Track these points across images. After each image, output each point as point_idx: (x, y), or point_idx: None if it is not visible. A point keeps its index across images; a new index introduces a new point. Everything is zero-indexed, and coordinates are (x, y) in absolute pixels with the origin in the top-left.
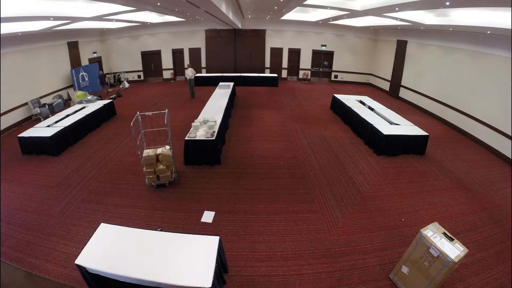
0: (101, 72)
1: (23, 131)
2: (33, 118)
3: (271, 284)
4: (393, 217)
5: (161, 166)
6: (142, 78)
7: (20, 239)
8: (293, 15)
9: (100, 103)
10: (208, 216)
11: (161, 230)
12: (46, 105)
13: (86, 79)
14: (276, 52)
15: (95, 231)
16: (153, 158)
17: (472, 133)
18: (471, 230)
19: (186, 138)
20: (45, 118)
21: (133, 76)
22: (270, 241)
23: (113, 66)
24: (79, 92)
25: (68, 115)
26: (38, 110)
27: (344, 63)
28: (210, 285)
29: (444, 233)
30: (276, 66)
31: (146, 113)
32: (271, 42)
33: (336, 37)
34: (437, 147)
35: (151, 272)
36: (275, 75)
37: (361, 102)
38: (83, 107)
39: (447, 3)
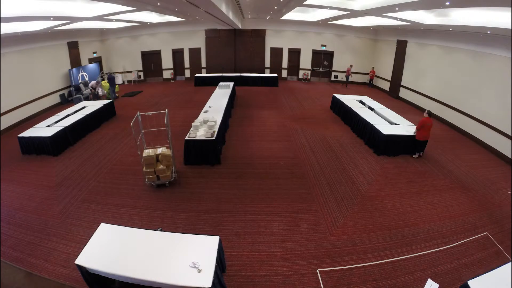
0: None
1: (23, 131)
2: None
3: (271, 284)
4: (393, 217)
5: (161, 166)
6: (142, 78)
7: (20, 239)
8: (293, 15)
9: (100, 103)
10: None
11: (161, 230)
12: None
13: (86, 79)
14: (276, 52)
15: (95, 231)
16: (153, 158)
17: (472, 133)
18: (471, 230)
19: (186, 138)
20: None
21: (134, 76)
22: (270, 241)
23: (113, 66)
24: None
25: (68, 115)
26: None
27: (344, 63)
28: (210, 285)
29: None
30: (276, 66)
31: (146, 113)
32: (271, 42)
33: (336, 37)
34: (437, 147)
35: (151, 272)
36: (275, 75)
37: (361, 102)
38: (83, 107)
39: (447, 3)
